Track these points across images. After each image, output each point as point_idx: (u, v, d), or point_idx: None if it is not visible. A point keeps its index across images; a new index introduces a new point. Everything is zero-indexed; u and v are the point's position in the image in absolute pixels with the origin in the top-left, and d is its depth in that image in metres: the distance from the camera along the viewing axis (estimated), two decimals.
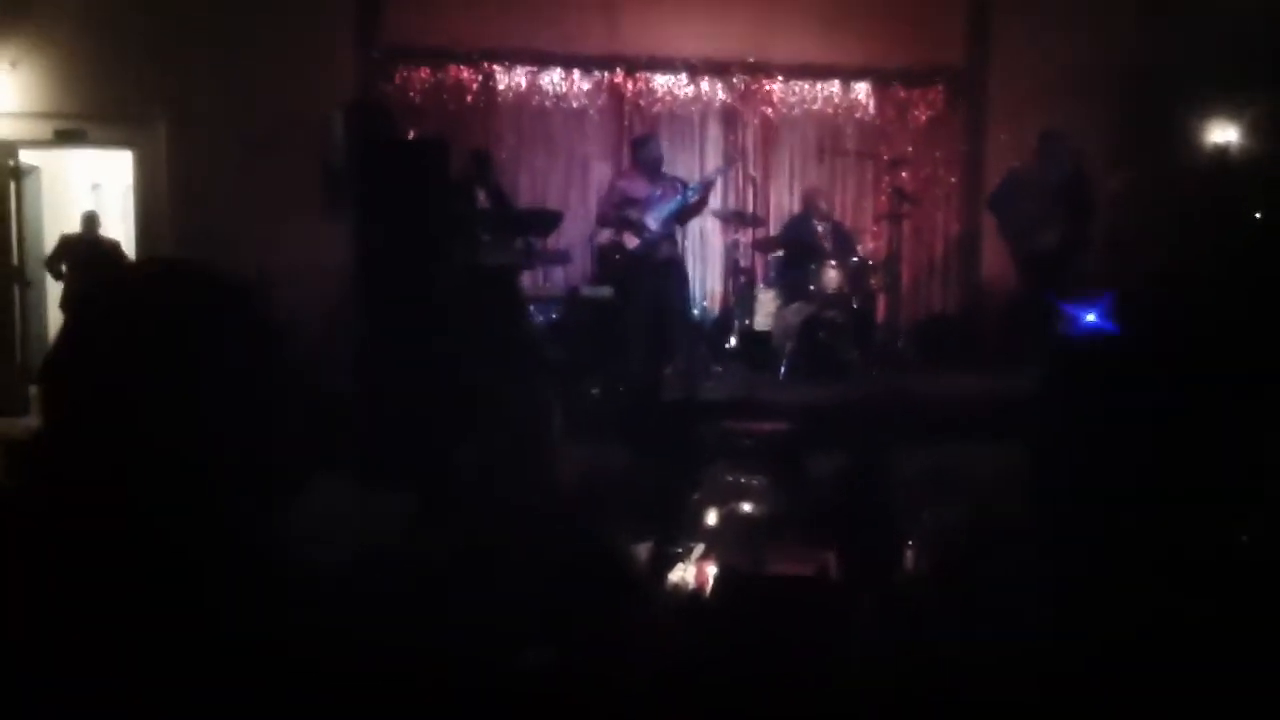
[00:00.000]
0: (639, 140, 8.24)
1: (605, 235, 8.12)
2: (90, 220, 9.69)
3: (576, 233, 8.94)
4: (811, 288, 8.32)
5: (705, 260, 9.62)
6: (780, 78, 9.51)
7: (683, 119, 9.55)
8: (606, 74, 9.31)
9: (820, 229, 8.83)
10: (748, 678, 1.81)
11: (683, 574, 2.38)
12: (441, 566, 1.99)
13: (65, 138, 8.70)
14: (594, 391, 7.08)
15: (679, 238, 8.03)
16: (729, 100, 9.54)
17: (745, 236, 9.25)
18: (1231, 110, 9.32)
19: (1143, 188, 8.80)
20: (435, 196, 5.81)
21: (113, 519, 1.14)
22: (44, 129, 8.58)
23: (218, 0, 8.27)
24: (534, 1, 8.93)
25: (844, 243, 8.79)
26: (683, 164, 9.20)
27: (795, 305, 8.38)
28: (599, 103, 9.37)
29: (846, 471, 3.43)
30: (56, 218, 9.79)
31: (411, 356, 5.23)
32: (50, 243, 9.50)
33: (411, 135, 8.51)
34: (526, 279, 7.88)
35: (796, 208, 9.42)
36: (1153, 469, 1.95)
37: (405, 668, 1.34)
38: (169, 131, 8.54)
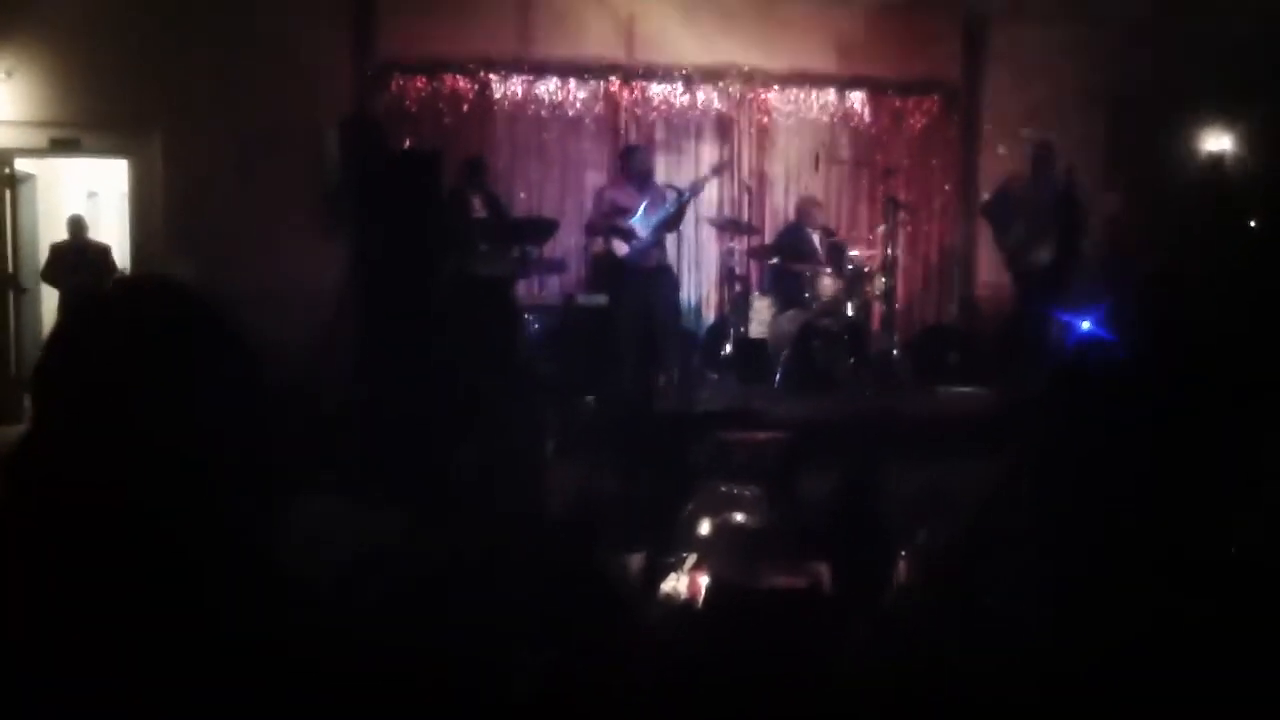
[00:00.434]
0: (626, 150, 8.27)
1: (599, 244, 8.13)
2: (77, 224, 9.62)
3: (573, 241, 8.95)
4: (806, 296, 8.34)
5: (700, 268, 9.62)
6: (776, 86, 9.53)
7: (678, 128, 9.56)
8: (602, 83, 9.31)
9: (815, 237, 8.85)
10: (739, 691, 1.81)
11: (675, 586, 2.38)
12: (432, 577, 1.99)
13: (60, 146, 8.70)
14: (588, 399, 7.08)
15: (670, 246, 8.03)
16: (724, 109, 9.56)
17: (740, 245, 9.25)
18: (1223, 124, 9.38)
19: (1135, 198, 8.83)
20: (431, 206, 5.82)
21: (98, 526, 1.15)
22: (39, 137, 8.57)
23: (214, 9, 8.26)
24: (530, 11, 8.94)
25: (839, 251, 8.81)
26: (679, 172, 9.20)
27: (790, 313, 8.40)
28: (595, 111, 9.37)
29: (840, 482, 3.43)
30: (52, 226, 9.77)
31: (406, 366, 5.23)
32: (45, 250, 9.48)
33: (407, 145, 8.53)
34: (522, 288, 7.89)
35: (791, 216, 9.44)
36: (1148, 479, 1.95)
37: (392, 680, 1.34)
38: (164, 140, 8.53)
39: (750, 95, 9.53)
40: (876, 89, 9.65)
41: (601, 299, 7.94)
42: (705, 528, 2.72)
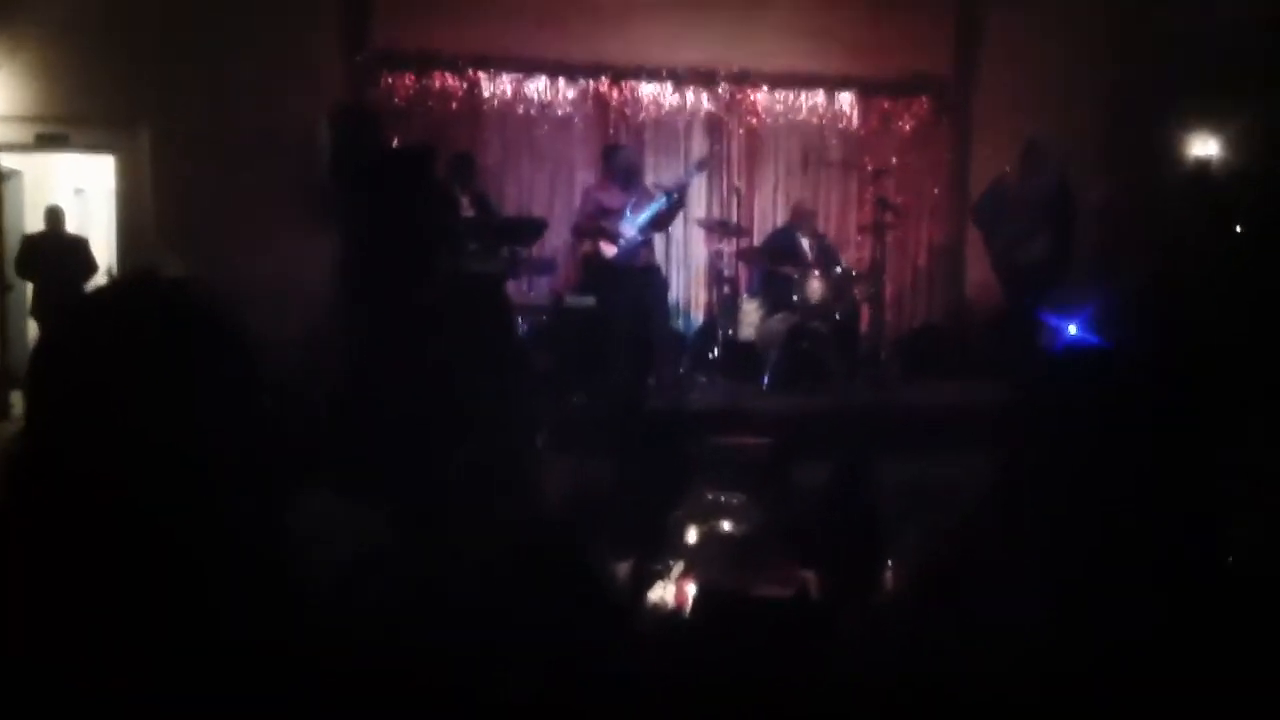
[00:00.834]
0: (612, 149, 8.27)
1: (587, 244, 8.12)
2: (54, 215, 9.46)
3: (562, 241, 8.94)
4: (795, 298, 8.35)
5: (689, 270, 9.63)
6: (765, 87, 9.54)
7: (668, 127, 9.56)
8: (592, 82, 9.31)
9: (804, 239, 8.86)
10: (728, 697, 1.80)
11: (663, 590, 2.38)
12: (419, 580, 1.98)
13: (47, 142, 8.66)
14: (576, 400, 7.08)
15: (658, 246, 8.03)
16: (714, 109, 9.56)
17: (729, 246, 9.26)
18: (1214, 122, 9.40)
19: (1125, 198, 8.86)
20: (419, 203, 5.80)
21: (92, 529, 1.14)
22: (26, 132, 8.52)
23: (202, 4, 8.23)
24: (520, 8, 8.92)
25: (828, 253, 8.83)
26: (668, 172, 9.21)
27: (779, 315, 8.40)
28: (584, 110, 9.37)
29: (829, 483, 3.43)
30: (38, 223, 9.72)
31: (394, 364, 5.21)
32: None
33: (396, 141, 8.51)
34: (511, 287, 7.87)
35: (781, 217, 9.45)
36: (1138, 481, 1.94)
37: (378, 688, 1.34)
38: (152, 136, 8.50)
39: (740, 95, 9.53)
40: (866, 89, 9.67)
41: (590, 300, 7.93)
42: (693, 531, 2.72)
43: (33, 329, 9.27)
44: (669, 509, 2.92)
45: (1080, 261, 7.90)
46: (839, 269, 8.57)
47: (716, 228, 9.19)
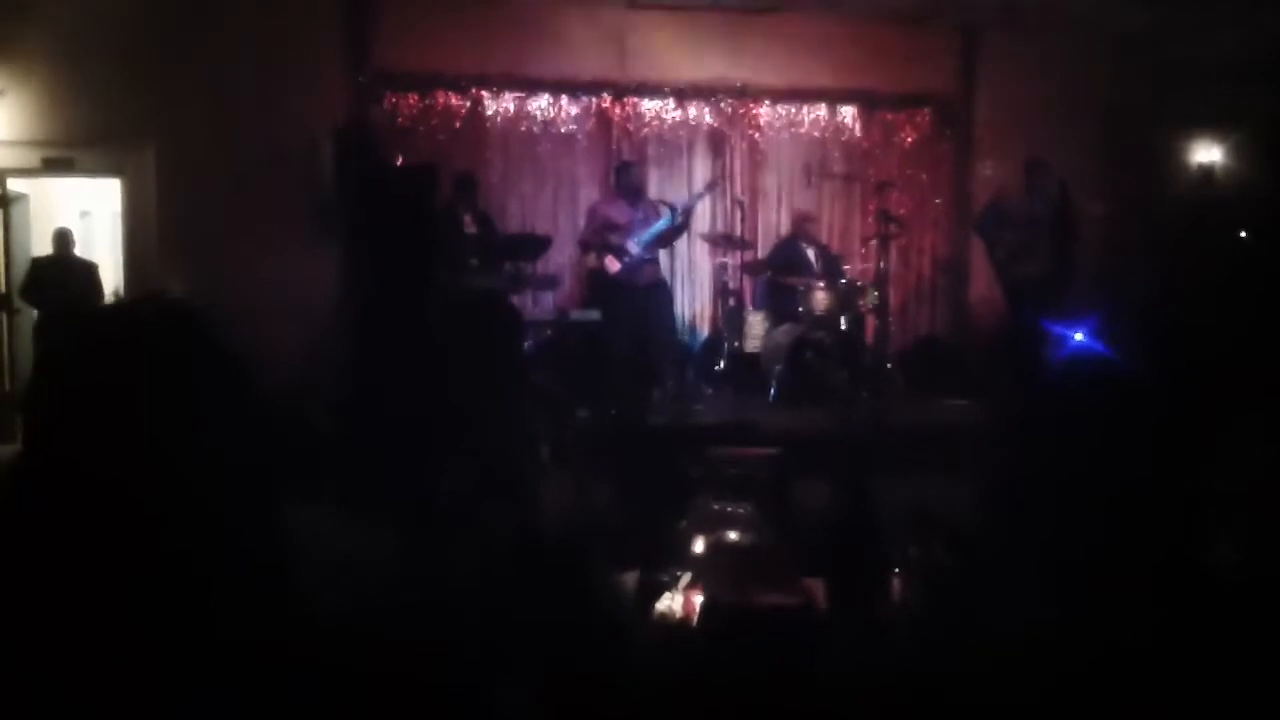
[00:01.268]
0: (618, 166, 8.31)
1: (592, 259, 8.15)
2: (63, 239, 9.36)
3: (566, 257, 8.97)
4: (800, 310, 8.36)
5: (694, 283, 9.64)
6: (768, 101, 9.56)
7: (671, 143, 9.58)
8: (594, 99, 9.34)
9: (808, 248, 8.88)
10: (733, 709, 1.80)
11: (669, 604, 2.38)
12: (423, 593, 1.99)
13: (53, 165, 8.69)
14: (581, 415, 7.08)
15: (663, 261, 8.06)
16: (717, 125, 9.58)
17: (734, 259, 9.27)
18: (1212, 138, 9.44)
19: (1127, 212, 8.87)
20: (423, 222, 5.82)
21: (92, 545, 1.15)
22: (32, 157, 8.57)
23: (206, 27, 8.27)
24: (522, 27, 8.96)
25: (832, 263, 8.84)
26: (671, 188, 9.24)
27: (784, 327, 8.41)
28: (587, 128, 9.39)
29: (834, 495, 3.43)
30: (45, 246, 9.74)
31: (398, 381, 5.23)
32: None
33: (400, 161, 8.54)
34: (516, 302, 7.89)
35: (785, 230, 9.47)
36: (1138, 490, 1.96)
37: (380, 697, 1.34)
38: (157, 158, 8.53)
39: (743, 110, 9.56)
40: (869, 103, 9.69)
41: (595, 314, 7.95)
42: (699, 544, 2.72)
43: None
44: (672, 521, 2.93)
45: (1083, 272, 7.90)
46: (843, 280, 8.58)
47: (721, 241, 9.21)
